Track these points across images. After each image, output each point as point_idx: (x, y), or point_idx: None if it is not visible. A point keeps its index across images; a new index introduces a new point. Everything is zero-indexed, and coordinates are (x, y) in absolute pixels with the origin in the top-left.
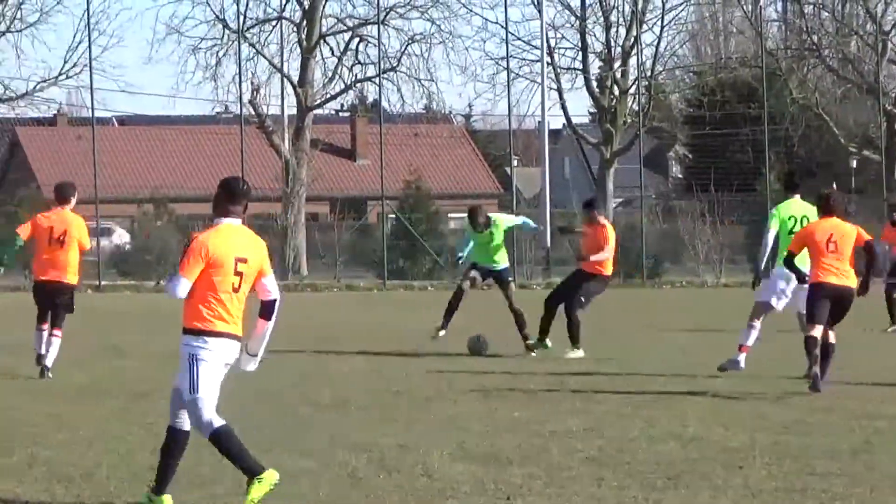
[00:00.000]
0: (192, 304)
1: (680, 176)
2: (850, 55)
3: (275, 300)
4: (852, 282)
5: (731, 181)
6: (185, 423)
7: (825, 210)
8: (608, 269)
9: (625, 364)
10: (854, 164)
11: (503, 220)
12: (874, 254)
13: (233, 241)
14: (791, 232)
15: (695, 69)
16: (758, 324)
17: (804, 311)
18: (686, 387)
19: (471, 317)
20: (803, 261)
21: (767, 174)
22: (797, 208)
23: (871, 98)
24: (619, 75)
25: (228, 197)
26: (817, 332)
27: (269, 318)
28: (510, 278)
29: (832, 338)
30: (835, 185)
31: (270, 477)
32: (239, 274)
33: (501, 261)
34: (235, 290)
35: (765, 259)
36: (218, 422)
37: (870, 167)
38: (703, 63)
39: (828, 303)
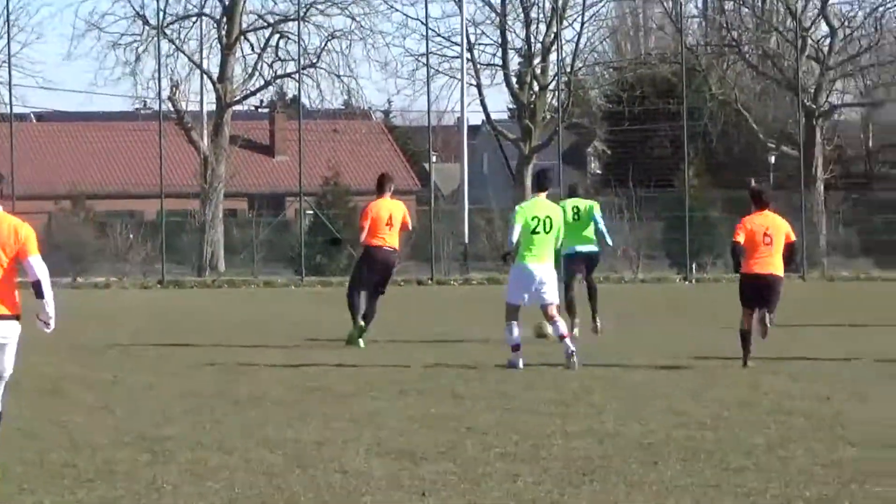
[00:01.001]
0: None
1: (599, 172)
2: (769, 51)
3: (38, 281)
4: (780, 271)
5: (649, 177)
6: None
7: (759, 204)
8: None
9: (542, 361)
10: (772, 159)
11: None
12: (794, 252)
13: None
14: (535, 231)
15: (615, 65)
16: (515, 324)
17: (550, 301)
18: (603, 382)
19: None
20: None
21: (686, 170)
22: (541, 208)
23: (790, 94)
24: (538, 71)
25: None
26: (755, 318)
27: (41, 298)
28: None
29: (767, 320)
30: (753, 181)
31: None
32: None
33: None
34: None
35: (513, 254)
36: None
37: (788, 163)
38: (622, 59)
39: (759, 291)
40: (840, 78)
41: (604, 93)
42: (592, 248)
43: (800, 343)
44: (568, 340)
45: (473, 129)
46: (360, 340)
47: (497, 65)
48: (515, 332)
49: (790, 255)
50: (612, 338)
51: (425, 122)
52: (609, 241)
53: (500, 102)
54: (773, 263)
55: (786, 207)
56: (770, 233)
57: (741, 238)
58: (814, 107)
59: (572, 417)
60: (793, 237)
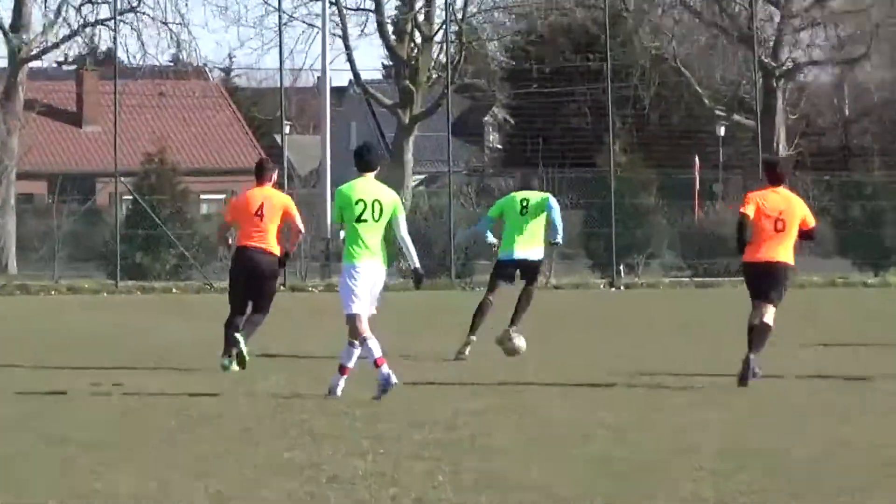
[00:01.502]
0: None
1: (499, 146)
2: None
3: None
4: (788, 258)
5: (564, 154)
6: None
7: (773, 179)
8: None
9: (429, 390)
10: (722, 131)
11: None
12: (812, 240)
13: None
14: (360, 219)
15: (519, 10)
16: (369, 338)
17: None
18: (509, 419)
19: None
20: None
21: (611, 144)
22: (366, 189)
23: (744, 48)
24: (421, 18)
25: None
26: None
27: None
28: None
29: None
30: (697, 160)
31: None
32: None
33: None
34: None
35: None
36: None
37: (742, 135)
38: (529, 3)
39: (760, 280)
40: (806, 27)
41: (505, 46)
42: (532, 254)
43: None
44: (385, 367)
45: (339, 93)
46: (234, 365)
47: (368, 9)
48: (355, 353)
49: (808, 239)
50: (519, 362)
51: (276, 83)
52: (559, 238)
53: (372, 58)
54: (780, 252)
55: (739, 190)
56: (784, 217)
57: (750, 210)
58: (773, 64)
59: (466, 464)
60: (811, 222)
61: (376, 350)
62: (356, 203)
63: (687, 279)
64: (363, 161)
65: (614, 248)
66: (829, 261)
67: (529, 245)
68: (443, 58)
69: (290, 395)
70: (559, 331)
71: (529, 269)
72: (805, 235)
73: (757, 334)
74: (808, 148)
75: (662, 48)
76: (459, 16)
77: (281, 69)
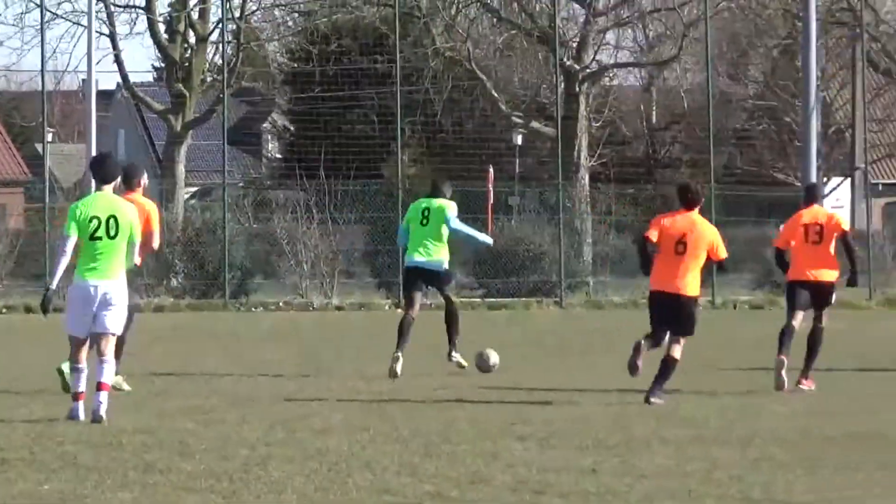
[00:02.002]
0: None
1: (278, 156)
2: None
3: None
4: (691, 290)
5: (348, 163)
6: None
7: (685, 203)
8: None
9: (200, 419)
10: (519, 139)
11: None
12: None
13: None
14: (94, 237)
15: (302, 7)
16: (81, 367)
17: (104, 330)
18: (288, 447)
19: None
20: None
21: (399, 153)
22: (102, 205)
23: (545, 50)
24: (196, 16)
25: None
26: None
27: None
28: None
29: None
30: (492, 171)
31: None
32: None
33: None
34: None
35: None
36: None
37: (542, 144)
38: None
39: (662, 312)
40: (613, 27)
41: (286, 46)
42: (431, 262)
43: (556, 393)
44: (104, 394)
45: (105, 97)
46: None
47: (138, 7)
48: (82, 378)
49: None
50: (295, 384)
51: (38, 86)
52: (484, 240)
53: (143, 60)
54: (681, 281)
55: (537, 206)
56: (687, 240)
57: (653, 235)
58: (576, 67)
59: (240, 496)
60: (722, 253)
61: (106, 374)
62: (89, 220)
63: (479, 299)
64: (97, 173)
65: (401, 266)
66: (630, 279)
67: (428, 252)
68: (218, 59)
69: (46, 419)
70: (332, 354)
71: (430, 277)
72: (718, 266)
73: (663, 367)
74: (611, 158)
75: (456, 49)
76: (237, 14)
77: (43, 71)
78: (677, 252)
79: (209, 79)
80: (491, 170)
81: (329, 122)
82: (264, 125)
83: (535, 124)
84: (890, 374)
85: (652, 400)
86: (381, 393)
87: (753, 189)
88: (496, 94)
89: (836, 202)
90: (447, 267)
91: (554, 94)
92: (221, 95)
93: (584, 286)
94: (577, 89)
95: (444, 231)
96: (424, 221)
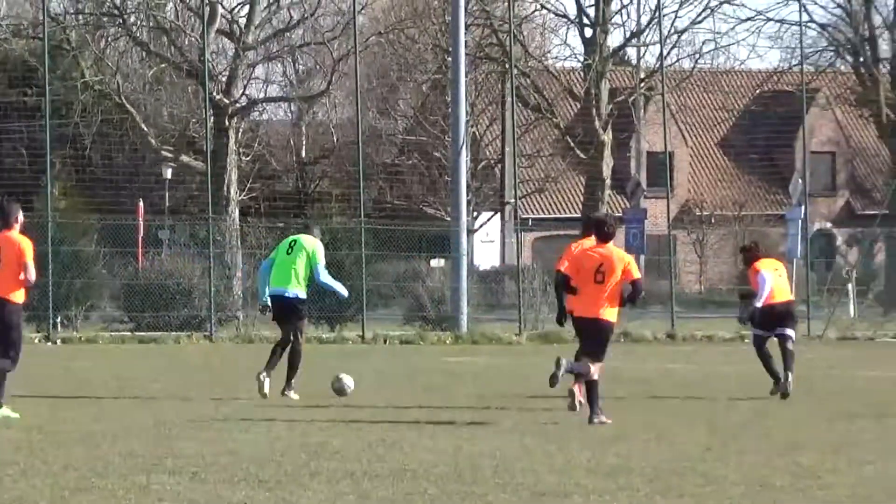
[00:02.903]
0: None
1: None
2: (164, 23)
3: None
4: (609, 315)
5: None
6: None
7: (595, 235)
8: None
9: None
10: (169, 173)
11: None
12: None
13: None
14: None
15: None
16: None
17: None
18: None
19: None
20: None
21: (49, 186)
22: None
23: (195, 83)
24: None
25: None
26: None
27: None
28: None
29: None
30: (142, 205)
31: None
32: None
33: None
34: None
35: None
36: None
37: (192, 179)
38: None
39: (582, 336)
40: (262, 62)
41: None
42: (287, 291)
43: (206, 426)
44: None
45: None
46: None
47: None
48: None
49: (632, 297)
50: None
51: None
52: (342, 292)
53: None
54: (599, 307)
55: (188, 239)
56: (604, 270)
57: (563, 267)
58: (226, 101)
59: None
60: (635, 273)
61: None
62: None
63: (129, 332)
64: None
65: (51, 299)
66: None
67: (286, 283)
68: None
69: None
70: None
71: (285, 307)
72: (633, 292)
73: (589, 391)
74: (262, 192)
75: (105, 83)
76: None
77: None
78: (596, 281)
79: None
80: (141, 203)
81: None
82: None
83: (184, 158)
84: (542, 413)
85: (604, 420)
86: (31, 428)
87: (404, 223)
88: (146, 128)
89: (487, 237)
90: (304, 298)
91: (203, 127)
92: None
93: (235, 320)
94: (227, 123)
95: (306, 269)
96: (289, 251)
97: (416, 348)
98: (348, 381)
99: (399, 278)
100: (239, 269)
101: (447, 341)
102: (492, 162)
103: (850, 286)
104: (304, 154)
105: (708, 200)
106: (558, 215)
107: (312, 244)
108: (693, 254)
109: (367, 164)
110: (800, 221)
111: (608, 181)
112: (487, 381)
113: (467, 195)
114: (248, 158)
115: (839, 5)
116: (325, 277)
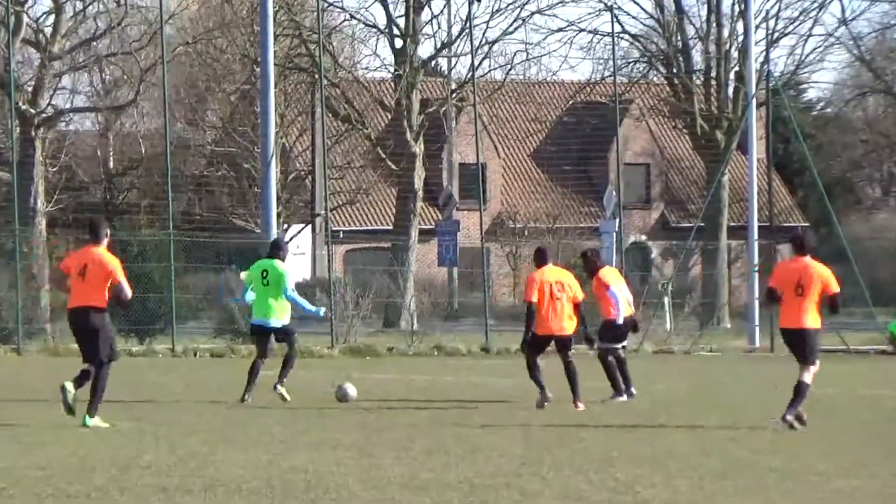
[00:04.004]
0: None
1: None
2: None
3: None
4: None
5: None
6: None
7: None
8: None
9: None
10: None
11: None
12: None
13: None
14: None
15: None
16: None
17: None
18: None
19: None
20: None
21: None
22: None
23: (1, 93)
24: None
25: None
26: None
27: None
28: None
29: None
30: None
31: None
32: None
33: None
34: None
35: None
36: None
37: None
38: None
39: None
40: (69, 71)
41: None
42: (273, 321)
43: (18, 441)
44: None
45: None
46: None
47: None
48: None
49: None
50: None
51: None
52: (311, 310)
53: None
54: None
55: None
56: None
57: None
58: (32, 111)
59: None
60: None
61: None
62: None
63: None
64: None
65: None
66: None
67: (267, 315)
68: None
69: None
70: None
71: (277, 333)
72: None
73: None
74: (69, 204)
75: None
76: None
77: None
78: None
79: None
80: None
81: None
82: None
83: None
84: (356, 426)
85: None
86: None
87: (213, 235)
88: None
89: (298, 249)
90: (288, 322)
91: (9, 138)
92: None
93: (43, 333)
94: (34, 134)
95: (281, 295)
96: (265, 282)
97: (227, 361)
98: (351, 389)
99: (209, 291)
100: (46, 281)
101: None
102: (302, 173)
103: (665, 299)
104: (111, 165)
105: (521, 213)
106: (369, 227)
107: (282, 270)
108: (507, 266)
109: (175, 176)
110: (614, 234)
111: (420, 193)
112: (300, 394)
113: (277, 207)
114: (55, 169)
115: (651, 16)
116: (291, 293)
